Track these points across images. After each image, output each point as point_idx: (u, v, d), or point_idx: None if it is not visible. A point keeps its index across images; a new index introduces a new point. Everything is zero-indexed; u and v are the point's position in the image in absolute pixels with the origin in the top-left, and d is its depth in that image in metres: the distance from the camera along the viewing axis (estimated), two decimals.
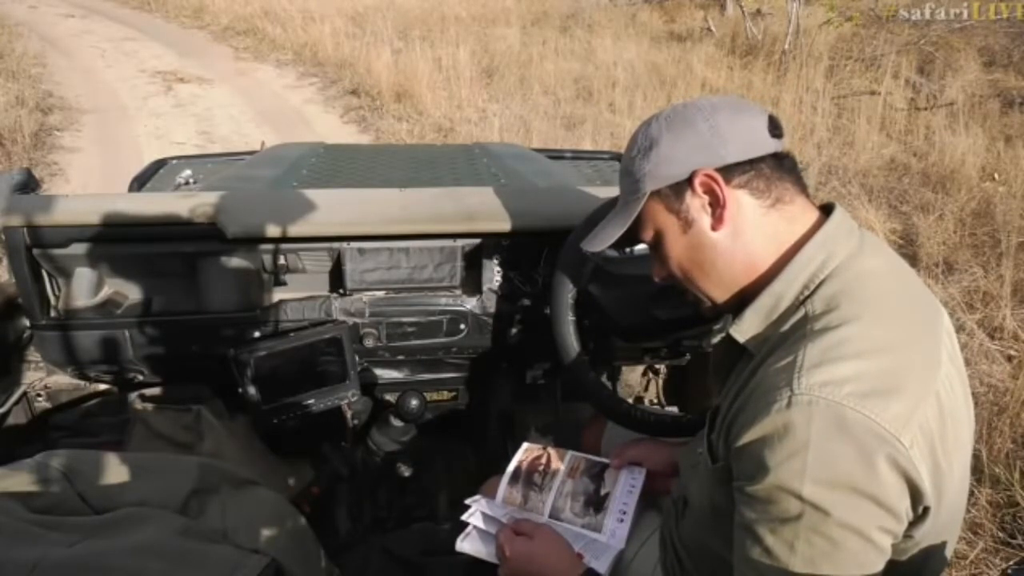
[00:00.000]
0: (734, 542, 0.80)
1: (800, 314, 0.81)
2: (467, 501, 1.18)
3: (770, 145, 0.86)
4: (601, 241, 0.96)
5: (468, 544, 1.12)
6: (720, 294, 0.90)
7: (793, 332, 0.80)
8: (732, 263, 0.87)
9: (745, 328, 0.85)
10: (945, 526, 0.80)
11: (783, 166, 0.87)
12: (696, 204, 0.87)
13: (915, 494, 0.73)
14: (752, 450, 0.74)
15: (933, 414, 0.74)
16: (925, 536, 0.78)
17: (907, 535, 0.76)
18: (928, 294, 0.86)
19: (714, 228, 0.86)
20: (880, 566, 0.73)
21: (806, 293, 0.81)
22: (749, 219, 0.85)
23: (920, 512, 0.75)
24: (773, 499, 0.73)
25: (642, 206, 0.91)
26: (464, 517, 1.15)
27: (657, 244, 0.93)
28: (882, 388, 0.72)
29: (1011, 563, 1.97)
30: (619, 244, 0.98)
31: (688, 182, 0.86)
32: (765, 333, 0.84)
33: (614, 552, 1.10)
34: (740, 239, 0.86)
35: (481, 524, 1.14)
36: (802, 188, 0.88)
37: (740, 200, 0.85)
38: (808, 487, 0.70)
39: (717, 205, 0.85)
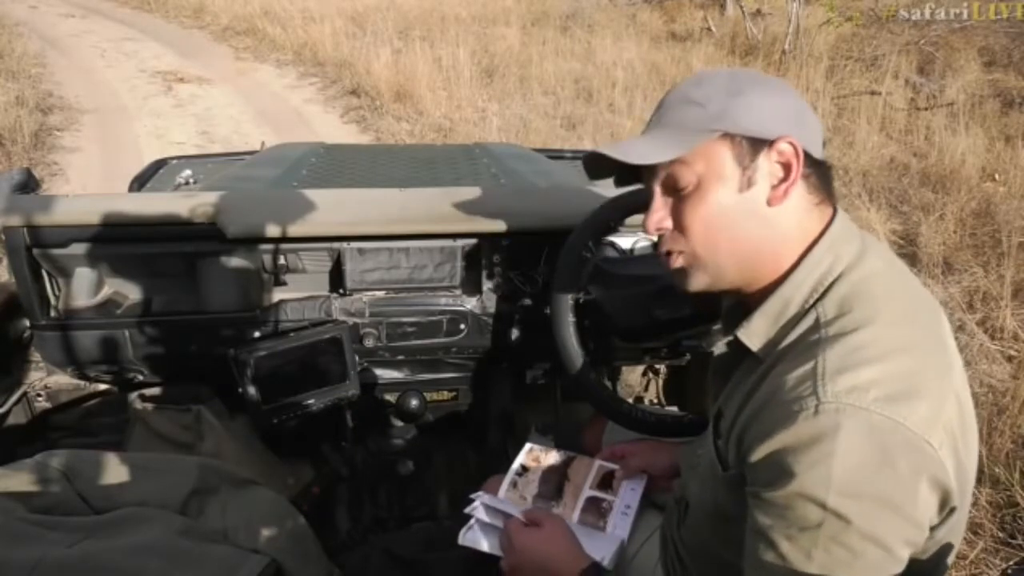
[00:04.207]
0: (745, 546, 0.79)
1: (811, 318, 0.79)
2: (471, 496, 1.18)
3: (821, 154, 0.85)
4: (637, 155, 0.82)
5: (470, 537, 1.12)
6: (726, 273, 0.84)
7: (805, 337, 0.79)
8: (761, 245, 0.82)
9: (754, 331, 0.83)
10: (959, 525, 0.80)
11: (829, 176, 0.86)
12: (765, 168, 0.81)
13: (944, 496, 0.72)
14: (774, 459, 0.73)
15: (955, 413, 0.74)
16: (943, 537, 0.77)
17: (927, 538, 0.75)
18: (926, 292, 0.86)
19: (770, 202, 0.81)
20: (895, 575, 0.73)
21: (815, 296, 0.80)
22: (798, 208, 0.82)
23: (947, 513, 0.74)
24: (793, 506, 0.71)
25: (705, 143, 0.80)
26: (467, 510, 1.15)
27: (687, 191, 0.82)
28: (906, 390, 0.71)
29: (1011, 563, 1.97)
30: (621, 179, 0.89)
31: (769, 143, 0.80)
32: (774, 338, 0.82)
33: (616, 547, 1.10)
34: (782, 223, 0.82)
35: (484, 517, 1.14)
36: (834, 201, 0.86)
37: (800, 186, 0.82)
38: (833, 496, 0.69)
39: (785, 179, 0.80)
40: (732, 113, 0.80)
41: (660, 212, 0.85)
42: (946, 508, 0.74)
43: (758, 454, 0.74)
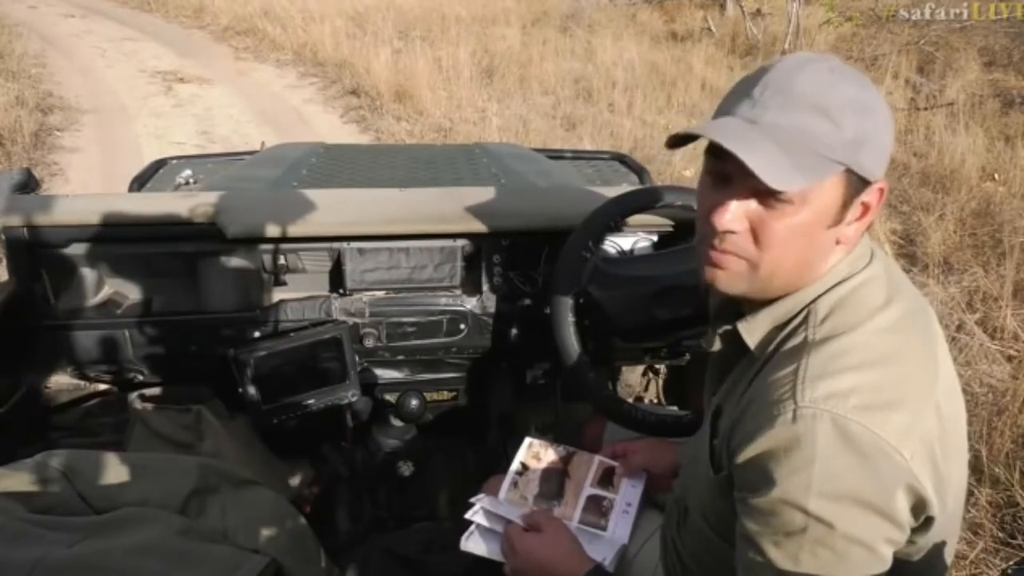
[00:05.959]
0: (736, 551, 0.80)
1: (802, 316, 0.80)
2: (471, 500, 1.18)
3: None
4: (775, 177, 0.70)
5: (472, 543, 1.12)
6: (771, 287, 0.80)
7: (793, 337, 0.79)
8: (814, 270, 0.79)
9: (756, 328, 0.83)
10: (947, 529, 0.80)
11: None
12: (857, 208, 0.77)
13: (919, 504, 0.73)
14: (756, 463, 0.73)
15: (933, 424, 0.74)
16: (929, 541, 0.78)
17: (910, 541, 0.76)
18: (922, 299, 0.86)
19: (839, 241, 0.78)
20: (882, 573, 0.73)
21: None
22: (856, 241, 0.81)
23: (923, 521, 0.75)
24: (777, 512, 0.72)
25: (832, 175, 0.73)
26: (468, 515, 1.14)
27: (781, 207, 0.74)
28: (884, 400, 0.71)
29: (1011, 563, 1.97)
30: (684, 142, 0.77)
31: (868, 183, 0.76)
32: (769, 336, 0.82)
33: (617, 548, 1.10)
34: (835, 252, 0.80)
35: (485, 522, 1.14)
36: None
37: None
38: (814, 501, 0.70)
39: (860, 219, 0.78)
40: (861, 145, 0.73)
41: (737, 212, 0.75)
42: (922, 516, 0.74)
43: (742, 457, 0.75)
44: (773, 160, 0.70)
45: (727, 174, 0.76)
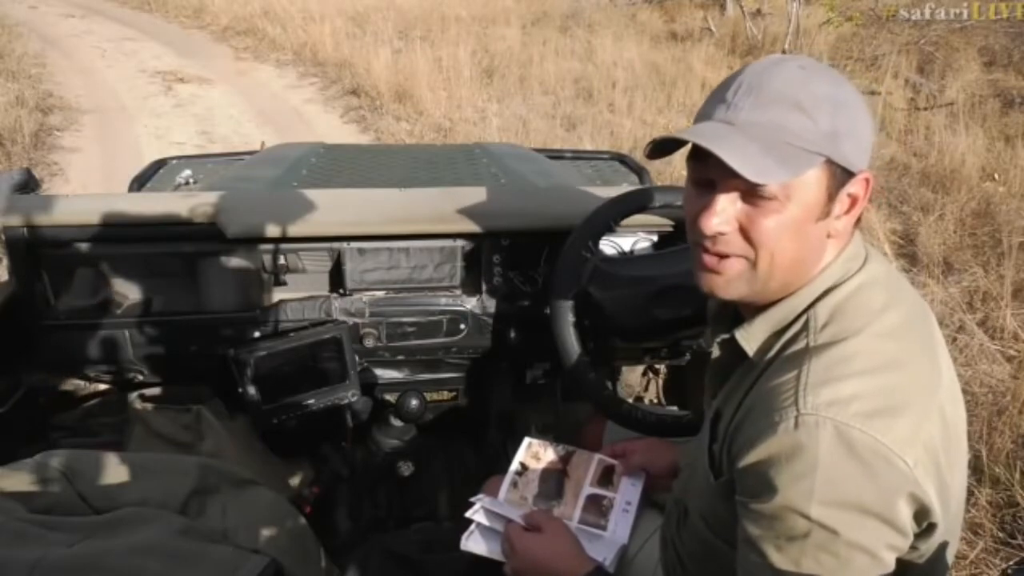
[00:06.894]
0: (738, 554, 0.79)
1: (801, 322, 0.79)
2: (471, 500, 1.18)
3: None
4: (755, 171, 0.71)
5: (472, 542, 1.12)
6: (770, 289, 0.80)
7: (794, 342, 0.79)
8: (809, 268, 0.79)
9: (753, 334, 0.83)
10: (949, 533, 0.80)
11: None
12: (844, 200, 0.78)
13: (922, 511, 0.73)
14: (758, 470, 0.73)
15: (937, 430, 0.74)
16: (931, 546, 0.78)
17: (913, 547, 0.76)
18: (922, 302, 0.85)
19: (830, 235, 0.78)
20: None
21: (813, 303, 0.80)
22: (847, 235, 0.81)
23: (925, 527, 0.75)
24: (780, 517, 0.72)
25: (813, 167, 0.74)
26: (468, 514, 1.14)
27: (768, 205, 0.75)
28: (887, 407, 0.71)
29: (1011, 563, 1.97)
30: (665, 151, 0.80)
31: (851, 175, 0.77)
32: (768, 342, 0.82)
33: (617, 548, 1.10)
34: (828, 249, 0.80)
35: (485, 521, 1.14)
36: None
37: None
38: (816, 508, 0.69)
39: (848, 212, 0.78)
40: (839, 136, 0.74)
41: (726, 213, 0.76)
42: (924, 522, 0.74)
43: (743, 462, 0.75)
44: (751, 156, 0.71)
45: (710, 179, 0.77)
